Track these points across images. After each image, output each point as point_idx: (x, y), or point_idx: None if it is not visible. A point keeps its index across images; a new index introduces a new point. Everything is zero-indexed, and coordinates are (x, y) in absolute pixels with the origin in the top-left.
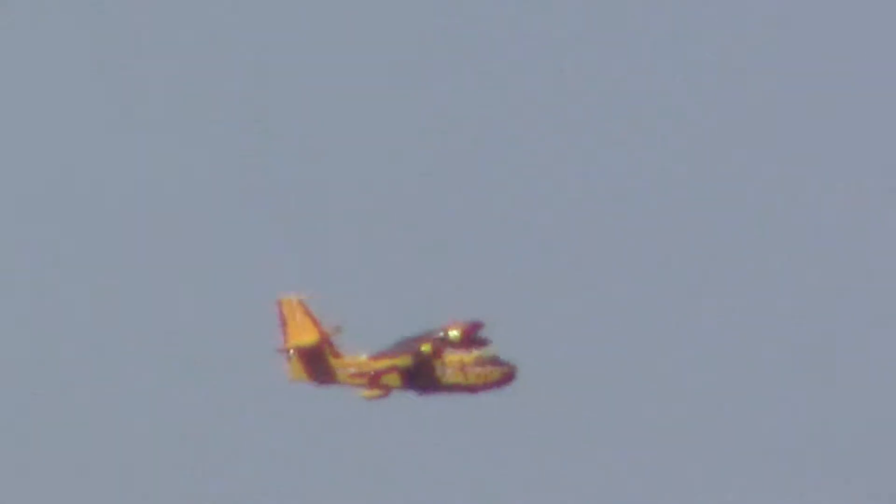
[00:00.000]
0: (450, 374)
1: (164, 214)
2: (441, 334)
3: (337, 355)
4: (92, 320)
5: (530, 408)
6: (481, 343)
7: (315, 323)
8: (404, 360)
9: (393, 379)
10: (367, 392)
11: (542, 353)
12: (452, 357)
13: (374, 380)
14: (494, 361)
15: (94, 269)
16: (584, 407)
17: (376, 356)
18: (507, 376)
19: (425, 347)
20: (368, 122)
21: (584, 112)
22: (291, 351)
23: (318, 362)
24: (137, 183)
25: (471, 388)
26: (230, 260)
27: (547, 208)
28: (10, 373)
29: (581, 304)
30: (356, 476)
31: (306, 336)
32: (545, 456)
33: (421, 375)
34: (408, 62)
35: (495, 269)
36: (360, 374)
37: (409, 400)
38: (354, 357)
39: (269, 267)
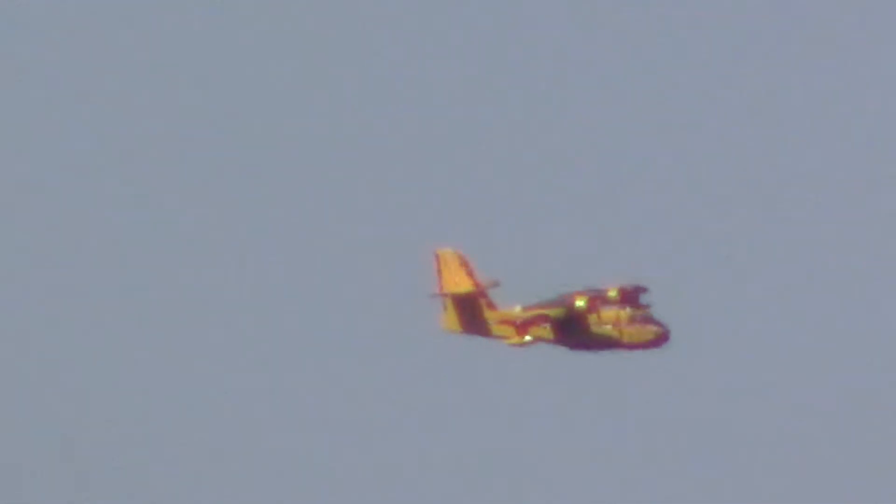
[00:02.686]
0: (602, 330)
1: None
2: (599, 292)
3: (491, 307)
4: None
5: (681, 372)
6: (639, 306)
7: (471, 275)
8: (557, 312)
9: (544, 331)
10: (513, 339)
11: (701, 322)
12: (607, 313)
13: (522, 328)
14: (649, 320)
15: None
16: (737, 376)
17: (530, 308)
18: (661, 337)
19: (580, 301)
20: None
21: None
22: (446, 299)
23: (471, 312)
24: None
25: (622, 346)
26: (392, 213)
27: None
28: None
29: (752, 282)
30: (494, 427)
31: (462, 285)
32: (688, 421)
33: (572, 329)
34: None
35: (664, 237)
36: (510, 322)
37: (556, 353)
38: (509, 310)
39: (430, 220)
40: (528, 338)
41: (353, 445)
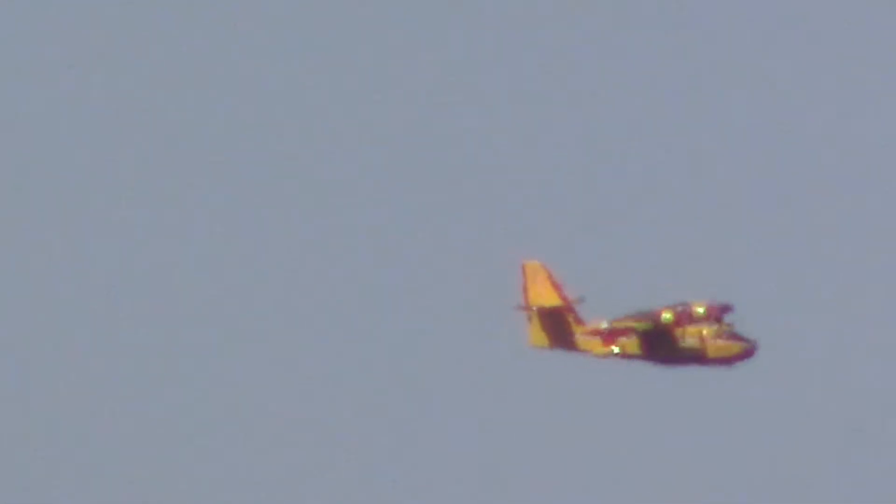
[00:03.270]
0: (689, 344)
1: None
2: (686, 307)
3: (578, 321)
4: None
5: (766, 387)
6: (725, 323)
7: (557, 288)
8: (644, 325)
9: (630, 345)
10: (599, 350)
11: (787, 340)
12: (693, 328)
13: (609, 338)
14: (735, 336)
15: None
16: (823, 394)
17: (616, 321)
18: (748, 351)
19: (667, 315)
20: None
21: None
22: (532, 313)
23: (559, 326)
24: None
25: (709, 361)
26: (479, 224)
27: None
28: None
29: (841, 299)
30: (575, 440)
31: (548, 299)
32: (775, 437)
33: (659, 343)
34: None
35: (751, 253)
36: (597, 332)
37: (643, 367)
38: (595, 324)
39: (516, 233)
40: (615, 349)
41: (441, 461)
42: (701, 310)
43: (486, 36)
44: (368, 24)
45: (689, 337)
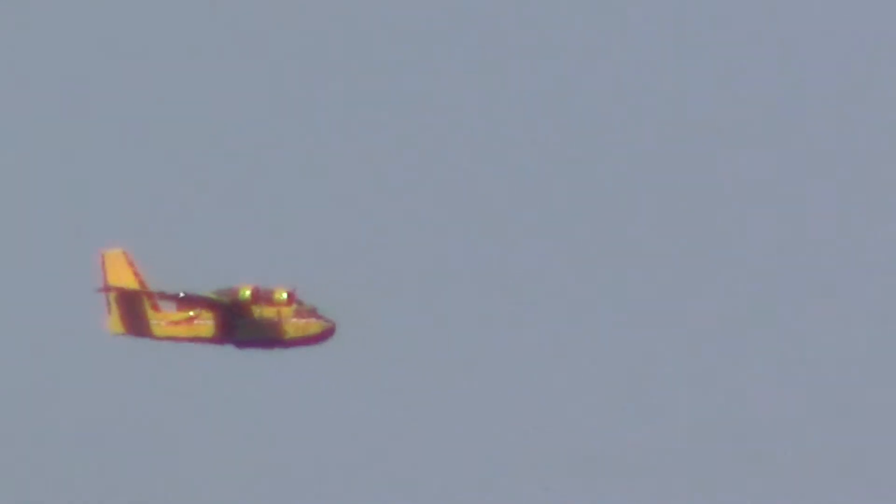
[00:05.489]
0: (266, 322)
1: None
2: (264, 288)
3: (156, 308)
4: None
5: (349, 363)
6: (304, 304)
7: (136, 275)
8: (222, 298)
9: (207, 328)
10: (176, 333)
11: (360, 316)
12: (271, 308)
13: (184, 304)
14: (315, 314)
15: None
16: (404, 367)
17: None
18: (328, 331)
19: (244, 291)
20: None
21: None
22: (111, 297)
23: (136, 311)
24: None
25: (289, 341)
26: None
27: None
28: None
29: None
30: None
31: (127, 285)
32: (362, 411)
33: (235, 320)
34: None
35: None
36: (173, 297)
37: (223, 351)
38: (172, 313)
39: (97, 224)
40: (191, 313)
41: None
42: (282, 294)
43: None
44: None
45: (267, 315)
